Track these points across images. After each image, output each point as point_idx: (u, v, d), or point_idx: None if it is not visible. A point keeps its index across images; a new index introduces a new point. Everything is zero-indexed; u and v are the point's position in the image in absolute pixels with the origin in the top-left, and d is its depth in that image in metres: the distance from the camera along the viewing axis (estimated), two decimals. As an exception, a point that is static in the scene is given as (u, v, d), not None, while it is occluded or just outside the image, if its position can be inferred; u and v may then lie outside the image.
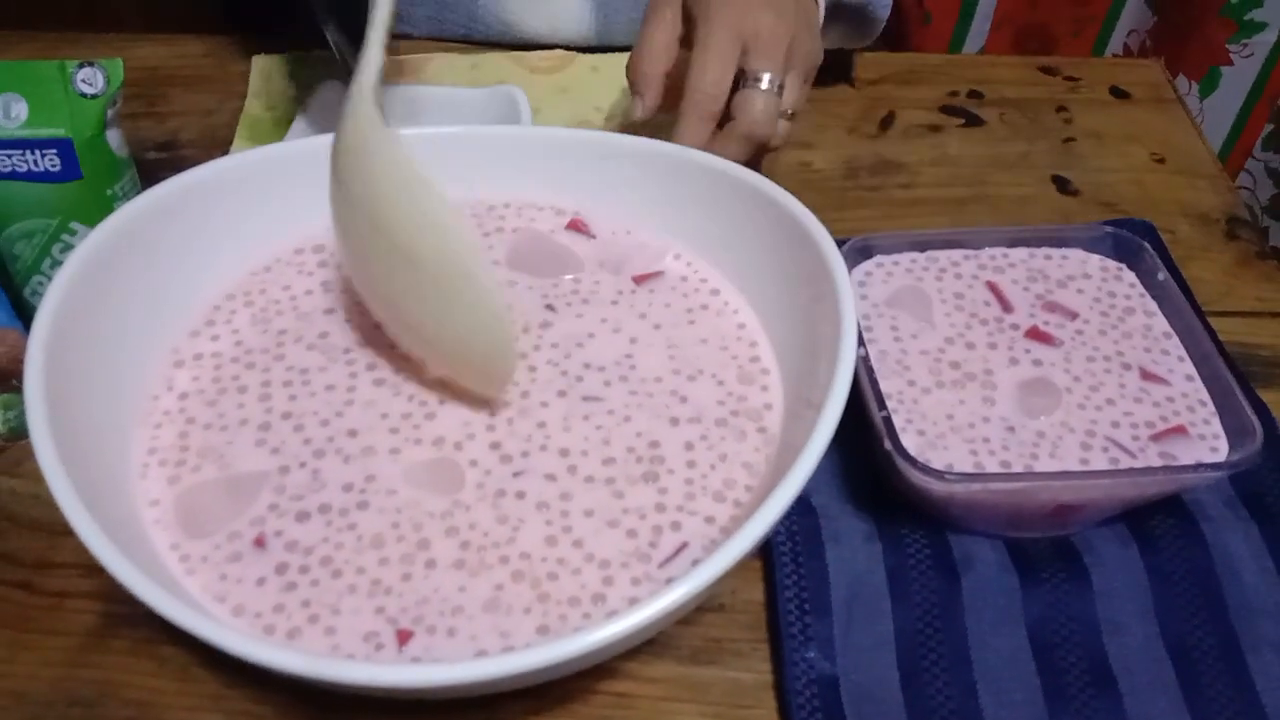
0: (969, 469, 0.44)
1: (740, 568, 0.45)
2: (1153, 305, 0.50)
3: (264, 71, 0.69)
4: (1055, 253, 0.53)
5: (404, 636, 0.36)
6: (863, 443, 0.46)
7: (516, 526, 0.39)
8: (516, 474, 0.41)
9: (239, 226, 0.46)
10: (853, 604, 0.44)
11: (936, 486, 0.43)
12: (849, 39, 0.70)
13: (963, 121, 0.69)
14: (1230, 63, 1.05)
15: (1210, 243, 0.61)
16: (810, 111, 0.69)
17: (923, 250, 0.52)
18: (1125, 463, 0.44)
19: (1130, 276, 0.52)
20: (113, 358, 0.41)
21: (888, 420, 0.43)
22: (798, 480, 0.34)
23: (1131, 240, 0.52)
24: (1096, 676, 0.42)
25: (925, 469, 0.42)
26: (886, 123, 0.69)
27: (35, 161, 0.47)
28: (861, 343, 0.45)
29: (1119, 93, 0.72)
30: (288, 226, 0.48)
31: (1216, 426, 0.45)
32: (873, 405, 0.44)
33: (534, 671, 0.31)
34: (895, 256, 0.52)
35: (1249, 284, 0.59)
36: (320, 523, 0.39)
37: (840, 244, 0.44)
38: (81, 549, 0.33)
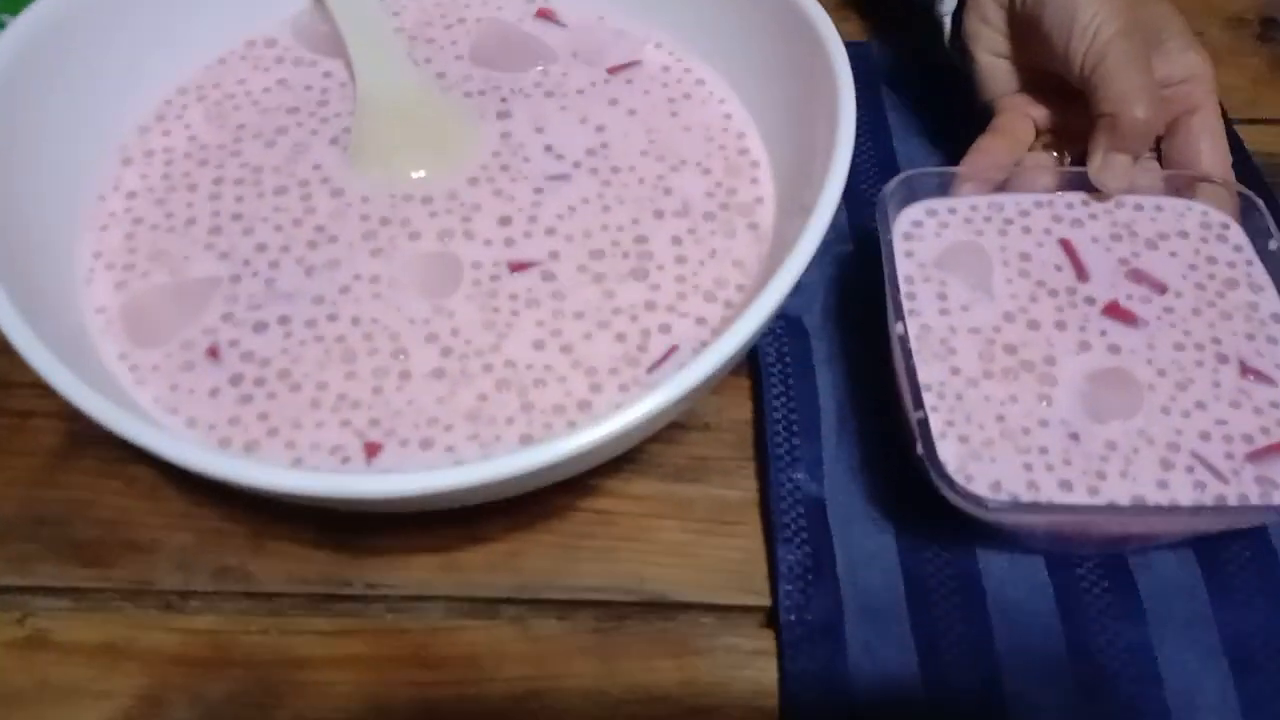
0: (1020, 489, 0.36)
1: (728, 385, 0.44)
2: (1262, 277, 0.41)
3: None
4: (1148, 200, 0.43)
5: (372, 449, 0.34)
6: (889, 430, 0.39)
7: (504, 332, 0.37)
8: (509, 265, 0.38)
9: (183, 14, 0.42)
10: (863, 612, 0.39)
11: (980, 514, 0.36)
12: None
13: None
14: None
15: (1241, 46, 0.57)
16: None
17: (967, 186, 0.43)
18: (1213, 490, 0.36)
19: (1238, 236, 0.42)
20: (53, 157, 0.38)
21: (924, 424, 0.36)
22: (781, 287, 0.32)
23: (1243, 194, 0.42)
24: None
25: (964, 494, 0.35)
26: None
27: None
28: (900, 317, 0.38)
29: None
30: (236, 17, 0.44)
31: None
32: (908, 401, 0.37)
33: (507, 480, 0.29)
34: (951, 202, 0.43)
35: (1279, 90, 0.55)
36: (279, 334, 0.36)
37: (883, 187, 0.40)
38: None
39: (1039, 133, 0.46)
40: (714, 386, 0.42)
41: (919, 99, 0.53)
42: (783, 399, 0.43)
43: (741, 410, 0.44)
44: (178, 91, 0.43)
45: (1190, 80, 0.43)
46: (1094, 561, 0.40)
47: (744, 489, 0.42)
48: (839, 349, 0.45)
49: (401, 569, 0.40)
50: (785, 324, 0.45)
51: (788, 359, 0.44)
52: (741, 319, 0.31)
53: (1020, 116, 0.46)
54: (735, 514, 0.41)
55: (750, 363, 0.45)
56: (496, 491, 0.32)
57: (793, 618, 0.38)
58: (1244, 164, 0.50)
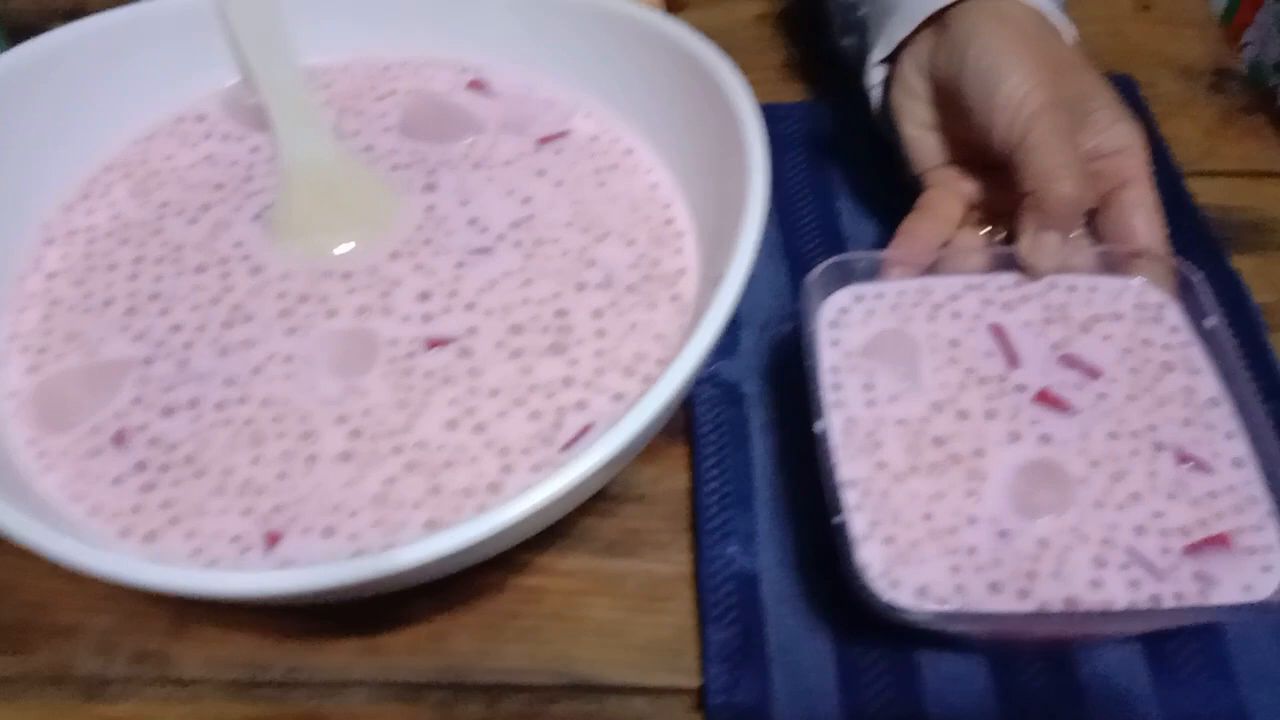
0: (948, 592, 0.34)
1: (664, 454, 0.43)
2: (1199, 359, 0.40)
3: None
4: (1082, 282, 0.42)
5: (273, 538, 0.33)
6: (823, 507, 0.36)
7: (416, 412, 0.36)
8: (426, 342, 0.38)
9: (112, 92, 0.43)
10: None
11: (905, 622, 0.34)
12: None
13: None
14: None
15: (1192, 97, 0.57)
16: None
17: (896, 272, 0.42)
18: (1148, 588, 0.34)
19: (1174, 316, 0.41)
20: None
21: (843, 529, 0.35)
22: (688, 364, 0.31)
23: (1178, 269, 0.41)
24: None
25: (881, 605, 0.34)
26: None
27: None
28: (821, 414, 0.37)
29: (1106, -67, 0.66)
30: (167, 92, 0.44)
31: (1272, 534, 0.35)
32: (831, 502, 0.36)
33: (401, 573, 0.29)
34: (879, 287, 0.42)
35: (1231, 142, 0.55)
36: (187, 418, 0.36)
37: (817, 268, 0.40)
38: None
39: (970, 208, 0.46)
40: (637, 457, 0.42)
41: (866, 157, 0.53)
42: (716, 469, 0.42)
43: (677, 480, 0.43)
44: (104, 168, 0.42)
45: (1122, 152, 0.42)
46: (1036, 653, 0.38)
47: (677, 563, 0.41)
48: (776, 417, 0.44)
49: (323, 653, 0.39)
50: (722, 391, 0.45)
51: (723, 427, 0.44)
52: (641, 402, 0.30)
53: (947, 194, 0.45)
54: (667, 590, 0.41)
55: (686, 431, 0.44)
56: (397, 582, 0.31)
57: (720, 700, 0.37)
58: (1192, 220, 0.50)
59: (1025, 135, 0.40)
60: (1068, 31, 0.44)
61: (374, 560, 0.29)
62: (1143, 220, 0.42)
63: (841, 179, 0.52)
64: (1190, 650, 0.38)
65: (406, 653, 0.39)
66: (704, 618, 0.39)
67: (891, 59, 0.46)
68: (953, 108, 0.44)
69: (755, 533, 0.41)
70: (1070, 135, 0.40)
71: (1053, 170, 0.39)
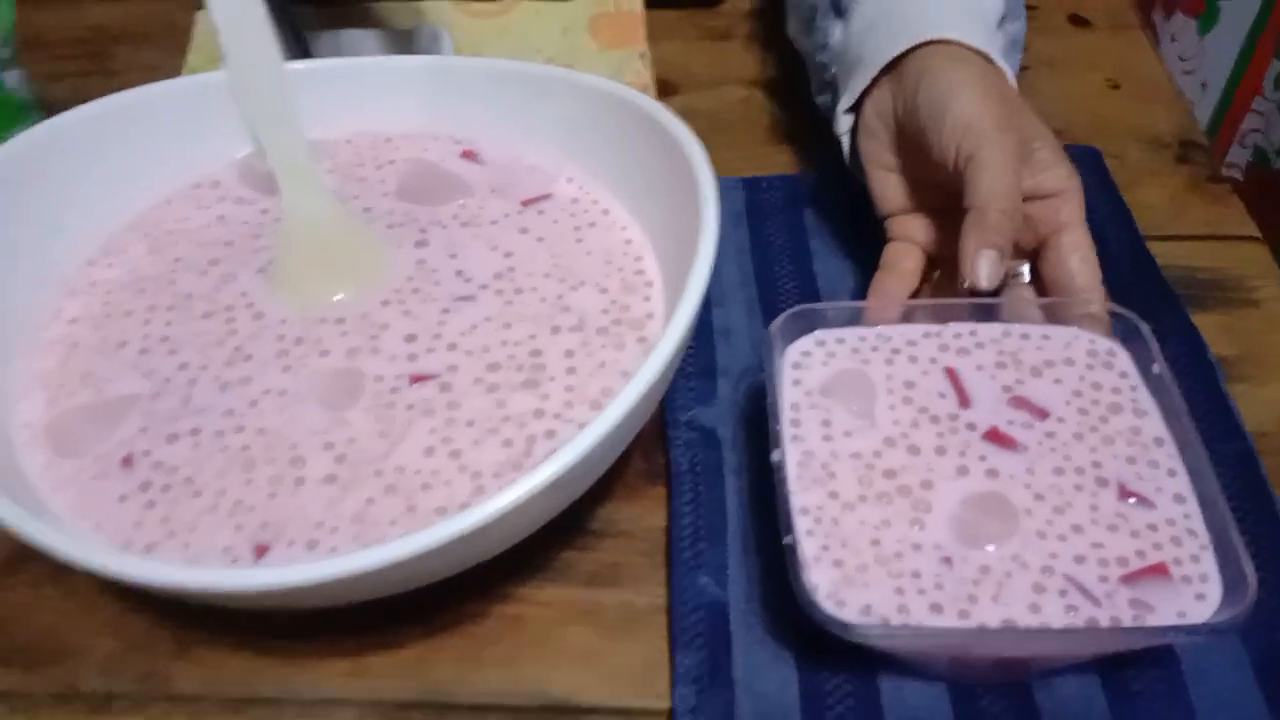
0: (891, 613, 0.36)
1: (644, 494, 0.46)
2: (1146, 401, 0.41)
3: (207, 28, 0.69)
4: (1035, 330, 0.44)
5: (261, 550, 0.36)
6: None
7: (397, 441, 0.39)
8: (410, 378, 0.41)
9: (135, 161, 0.47)
10: None
11: (847, 637, 0.36)
12: None
13: (913, 53, 0.68)
14: (1229, -4, 1.01)
15: (1160, 166, 0.60)
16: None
17: (873, 325, 0.44)
18: (1085, 613, 0.36)
19: (1123, 362, 0.43)
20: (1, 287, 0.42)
21: (792, 550, 0.37)
22: (637, 389, 0.34)
23: (1128, 319, 0.43)
24: None
25: (829, 620, 0.35)
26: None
27: (-68, 102, 0.48)
28: (779, 445, 0.40)
29: (1078, 20, 0.70)
30: (186, 162, 0.48)
31: (1208, 565, 0.37)
32: (783, 525, 0.38)
33: (367, 574, 0.31)
34: (840, 332, 0.44)
35: (1196, 208, 0.57)
36: (188, 444, 0.39)
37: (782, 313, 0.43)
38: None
39: (931, 261, 0.48)
40: (618, 496, 0.44)
41: (841, 224, 0.56)
42: (691, 505, 0.45)
43: (656, 518, 0.45)
44: (125, 228, 0.46)
45: (1060, 195, 0.45)
46: (994, 681, 0.40)
47: (653, 595, 0.43)
48: (748, 460, 0.46)
49: (314, 674, 0.41)
50: (699, 435, 0.47)
51: (699, 467, 0.46)
52: (593, 424, 0.33)
53: (907, 248, 0.48)
54: (643, 619, 0.42)
55: (665, 471, 0.46)
56: (370, 585, 0.34)
57: (687, 720, 0.39)
58: (1155, 279, 0.52)
59: (974, 153, 0.43)
60: (1010, 79, 0.48)
61: (347, 559, 0.31)
62: (1079, 262, 0.44)
63: (818, 244, 0.55)
64: (1147, 679, 0.39)
65: (392, 675, 0.41)
66: (674, 643, 0.41)
67: (857, 108, 0.50)
68: (911, 146, 0.47)
69: (726, 565, 0.43)
70: (1016, 157, 0.43)
71: (996, 189, 0.42)
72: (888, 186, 0.49)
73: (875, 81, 0.48)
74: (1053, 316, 0.44)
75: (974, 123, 0.43)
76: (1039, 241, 0.45)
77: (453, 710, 0.40)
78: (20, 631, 0.43)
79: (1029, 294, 0.46)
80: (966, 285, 0.43)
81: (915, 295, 0.48)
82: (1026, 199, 0.44)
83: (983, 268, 0.42)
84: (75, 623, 0.43)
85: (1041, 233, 0.45)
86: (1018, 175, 0.43)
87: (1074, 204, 0.45)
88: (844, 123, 0.51)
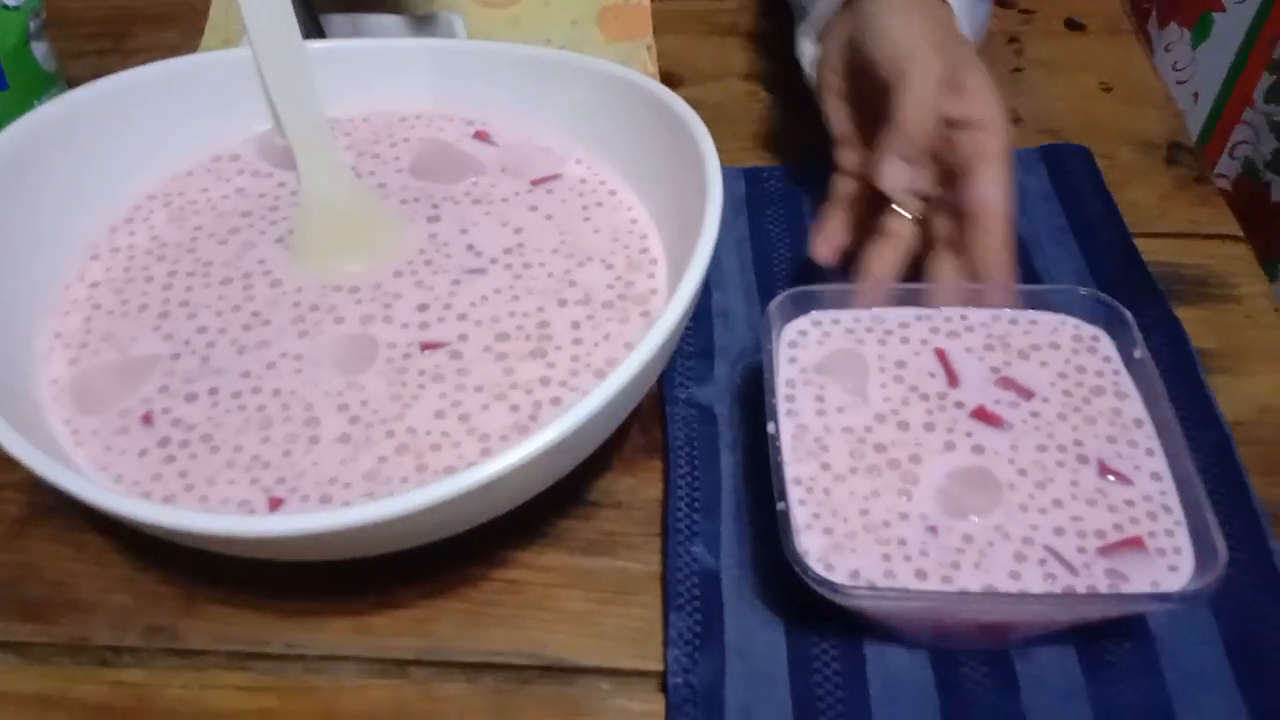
0: (878, 577, 0.38)
1: (642, 466, 0.47)
2: (1127, 385, 0.43)
3: (223, 5, 0.70)
4: (1023, 316, 0.46)
5: (275, 503, 0.38)
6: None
7: (409, 403, 0.40)
8: (421, 345, 0.42)
9: (157, 133, 0.48)
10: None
11: (835, 599, 0.37)
12: None
13: (912, 52, 0.69)
14: (1223, 8, 1.03)
15: (1149, 167, 0.61)
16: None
17: (868, 307, 0.46)
18: (1063, 581, 0.37)
19: (1107, 347, 0.44)
20: (27, 250, 0.43)
21: (785, 515, 0.38)
22: (637, 360, 0.35)
23: (1113, 306, 0.45)
24: None
25: (819, 579, 0.37)
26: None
27: (-40, 71, 0.49)
28: (774, 418, 0.41)
29: (1074, 24, 0.72)
30: (206, 135, 0.50)
31: (1181, 539, 0.38)
32: (777, 492, 0.39)
33: (373, 525, 0.32)
34: (835, 314, 0.46)
35: (1183, 207, 0.59)
36: (206, 403, 0.40)
37: (779, 294, 0.44)
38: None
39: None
40: (616, 468, 0.46)
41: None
42: (687, 478, 0.46)
43: (653, 490, 0.47)
44: (147, 197, 0.48)
45: (985, 128, 0.46)
46: (975, 651, 0.41)
47: (648, 563, 0.45)
48: (743, 437, 0.48)
49: (318, 630, 0.43)
50: (697, 411, 0.48)
51: (695, 442, 0.47)
52: (595, 390, 0.34)
53: (847, 180, 0.51)
54: (638, 586, 0.44)
55: (662, 445, 0.48)
56: (383, 537, 0.35)
57: (679, 680, 0.40)
58: (1141, 273, 0.54)
59: (904, 69, 0.45)
60: (960, 20, 0.51)
61: (362, 509, 0.32)
62: (994, 188, 0.45)
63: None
64: (1122, 650, 0.41)
65: (394, 633, 0.43)
66: (668, 607, 0.42)
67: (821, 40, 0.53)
68: (861, 75, 0.49)
69: (719, 535, 0.44)
70: (941, 80, 0.45)
71: (915, 101, 0.45)
72: (839, 114, 0.51)
73: (839, 13, 0.51)
74: (1038, 303, 0.46)
75: (908, 43, 0.46)
76: (960, 165, 0.47)
77: (452, 667, 0.42)
78: (34, 586, 0.44)
79: (949, 270, 0.47)
80: (877, 184, 0.47)
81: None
82: (952, 124, 0.46)
83: (888, 171, 0.46)
84: (87, 579, 0.44)
85: (963, 159, 0.46)
86: (937, 94, 0.45)
87: (997, 136, 0.46)
88: (807, 52, 0.54)
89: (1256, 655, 0.40)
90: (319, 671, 0.42)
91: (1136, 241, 0.55)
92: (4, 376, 0.38)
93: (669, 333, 0.36)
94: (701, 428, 0.48)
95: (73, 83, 0.54)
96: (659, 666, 0.41)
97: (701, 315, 0.52)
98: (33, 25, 0.51)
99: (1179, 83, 1.13)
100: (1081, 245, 0.55)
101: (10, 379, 0.39)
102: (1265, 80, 1.09)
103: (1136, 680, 0.40)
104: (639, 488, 0.47)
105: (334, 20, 0.61)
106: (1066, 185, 0.58)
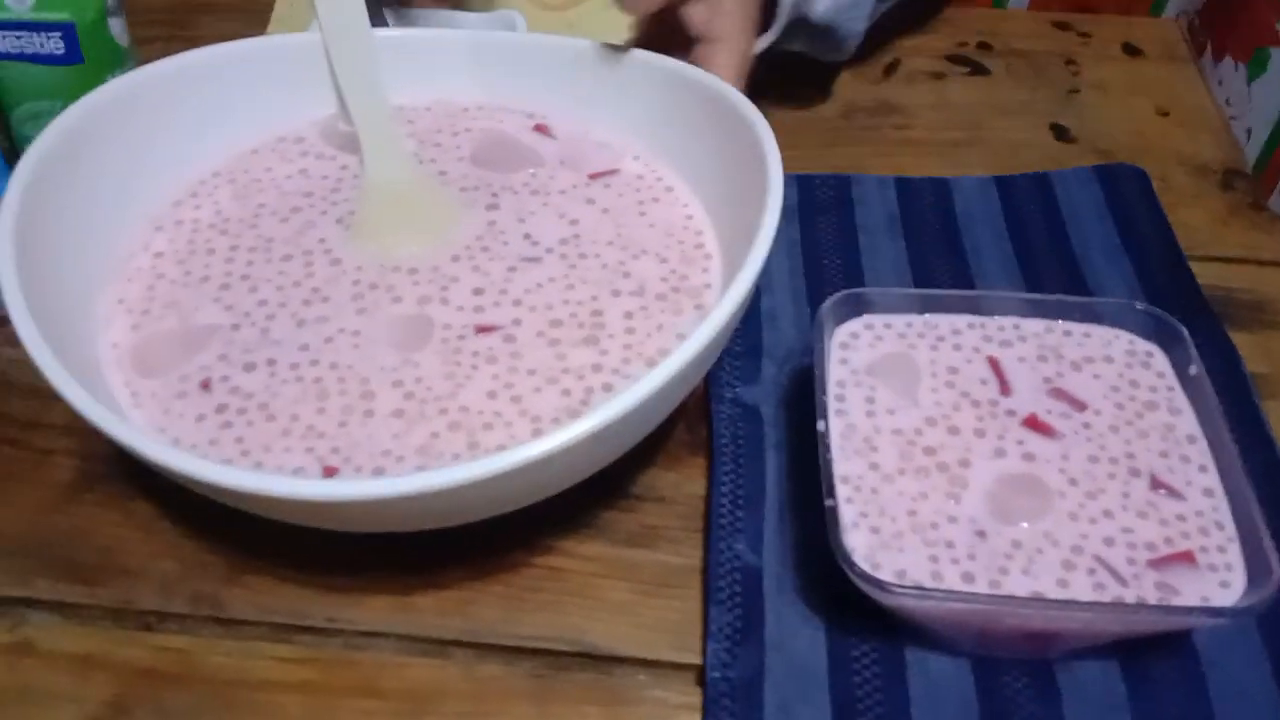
0: (924, 578, 0.38)
1: (684, 463, 0.47)
2: (1181, 401, 0.43)
3: (288, 1, 0.72)
4: (1077, 328, 0.46)
5: (329, 472, 0.38)
6: (824, 532, 0.39)
7: (462, 382, 0.41)
8: (475, 328, 0.43)
9: (225, 112, 0.49)
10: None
11: (880, 597, 0.37)
12: (819, 53, 0.65)
13: (968, 70, 0.70)
14: (1279, 43, 1.03)
15: (1203, 191, 0.61)
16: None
17: (921, 313, 0.46)
18: (1112, 592, 0.37)
19: (1161, 363, 0.44)
20: (96, 219, 0.44)
21: (833, 511, 0.39)
22: (692, 348, 0.36)
23: (1168, 322, 0.44)
24: None
25: (866, 577, 0.37)
26: (891, 69, 0.70)
27: (40, 44, 0.50)
28: (825, 416, 0.41)
29: (1131, 49, 0.72)
30: (271, 117, 0.50)
31: (1234, 556, 0.38)
32: (826, 489, 0.39)
33: (426, 494, 0.33)
34: (888, 317, 0.46)
35: (1237, 232, 0.59)
36: (265, 373, 0.41)
37: (831, 296, 0.45)
38: (67, 411, 0.36)
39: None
40: (660, 463, 0.46)
41: (884, 221, 0.58)
42: (731, 475, 0.46)
43: (696, 486, 0.47)
44: (212, 174, 0.49)
45: (720, 42, 0.49)
46: (1017, 660, 0.41)
47: (689, 557, 0.45)
48: (788, 437, 0.48)
49: (360, 607, 0.43)
50: (743, 411, 0.49)
51: (741, 441, 0.47)
52: (641, 379, 0.35)
53: None
54: (678, 579, 0.44)
55: (706, 443, 0.48)
56: (434, 509, 0.35)
57: (717, 674, 0.40)
58: (1194, 296, 0.53)
59: None
60: None
61: (415, 478, 0.33)
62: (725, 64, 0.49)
63: (866, 241, 0.57)
64: (1166, 666, 0.41)
65: (435, 613, 0.43)
66: (708, 601, 0.42)
67: None
68: None
69: (762, 533, 0.44)
70: None
71: None
72: None
73: None
74: (1093, 317, 0.46)
75: None
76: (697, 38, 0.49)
77: (492, 650, 0.42)
78: (83, 549, 0.45)
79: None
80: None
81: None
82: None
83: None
84: (134, 544, 0.45)
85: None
86: None
87: (733, 56, 0.49)
88: None
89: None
90: (360, 647, 0.42)
91: (1190, 264, 0.55)
92: (66, 338, 0.39)
93: (724, 323, 0.36)
94: (747, 427, 0.48)
95: (141, 64, 0.55)
96: (697, 660, 0.41)
97: (750, 316, 0.52)
98: (110, 1, 0.52)
99: (1231, 118, 1.12)
100: (1134, 263, 0.55)
101: (73, 341, 0.40)
102: (1318, 119, 1.08)
103: (1180, 697, 0.40)
104: (682, 483, 0.47)
105: (398, 14, 0.62)
106: (1121, 204, 0.58)
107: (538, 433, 0.39)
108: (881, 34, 0.70)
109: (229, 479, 0.33)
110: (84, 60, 0.51)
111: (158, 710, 0.40)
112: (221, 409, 0.40)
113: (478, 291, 0.44)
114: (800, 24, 0.59)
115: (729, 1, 0.50)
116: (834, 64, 0.66)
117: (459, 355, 0.41)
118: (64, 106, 0.46)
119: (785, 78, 0.64)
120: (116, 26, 0.53)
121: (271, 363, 0.41)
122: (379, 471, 0.38)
